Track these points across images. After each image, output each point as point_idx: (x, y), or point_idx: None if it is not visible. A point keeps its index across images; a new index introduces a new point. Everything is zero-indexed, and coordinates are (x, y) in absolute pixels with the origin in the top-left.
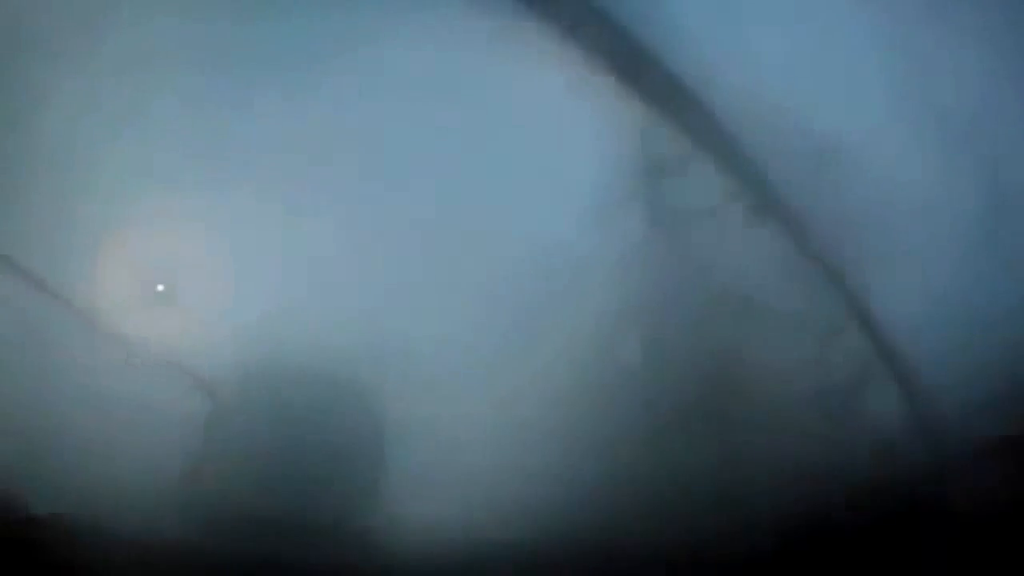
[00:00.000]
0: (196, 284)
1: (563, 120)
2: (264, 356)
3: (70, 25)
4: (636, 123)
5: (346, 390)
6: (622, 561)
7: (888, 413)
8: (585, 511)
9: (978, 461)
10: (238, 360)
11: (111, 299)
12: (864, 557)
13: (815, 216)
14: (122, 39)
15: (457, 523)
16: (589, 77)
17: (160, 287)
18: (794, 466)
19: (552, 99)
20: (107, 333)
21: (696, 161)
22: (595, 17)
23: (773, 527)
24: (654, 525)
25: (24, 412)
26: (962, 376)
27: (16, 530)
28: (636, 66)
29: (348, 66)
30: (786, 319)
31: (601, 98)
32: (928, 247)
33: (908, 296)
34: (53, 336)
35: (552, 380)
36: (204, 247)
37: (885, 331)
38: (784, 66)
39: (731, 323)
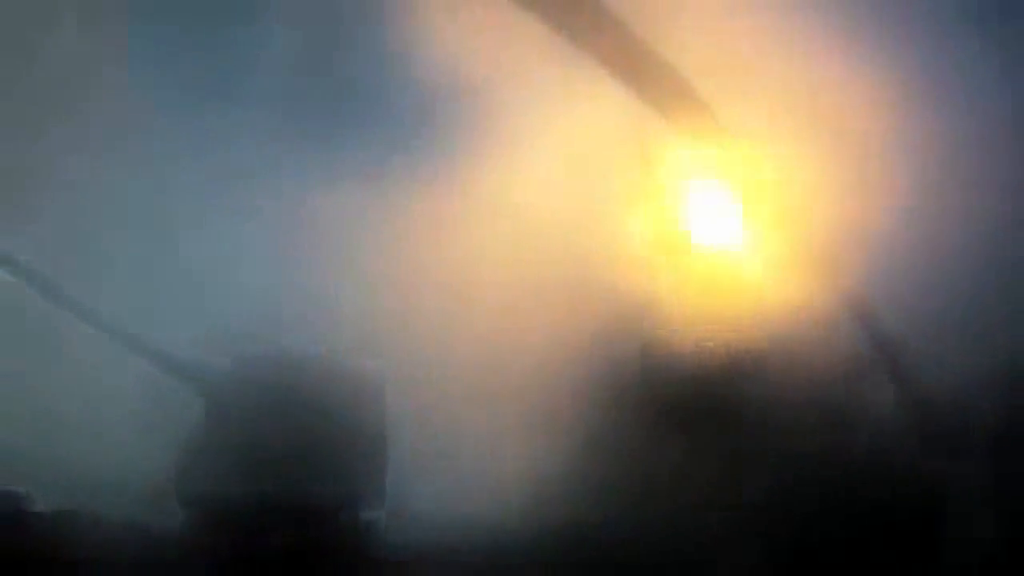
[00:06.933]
0: (194, 282)
1: (563, 120)
2: (263, 353)
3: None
4: (636, 123)
5: (345, 387)
6: (622, 556)
7: (888, 411)
8: (585, 507)
9: (977, 457)
10: (238, 357)
11: (110, 298)
12: (865, 552)
13: (815, 216)
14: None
15: (456, 515)
16: (589, 77)
17: (158, 285)
18: (794, 463)
19: (552, 99)
20: (107, 332)
21: (696, 161)
22: (595, 17)
23: (773, 524)
24: (654, 522)
25: (24, 412)
26: (961, 373)
27: (16, 529)
28: (636, 66)
29: (349, 66)
30: (786, 318)
31: (601, 98)
32: (928, 246)
33: (908, 295)
34: (53, 336)
35: (552, 377)
36: (203, 245)
37: (885, 329)
38: (784, 66)
39: (731, 322)
